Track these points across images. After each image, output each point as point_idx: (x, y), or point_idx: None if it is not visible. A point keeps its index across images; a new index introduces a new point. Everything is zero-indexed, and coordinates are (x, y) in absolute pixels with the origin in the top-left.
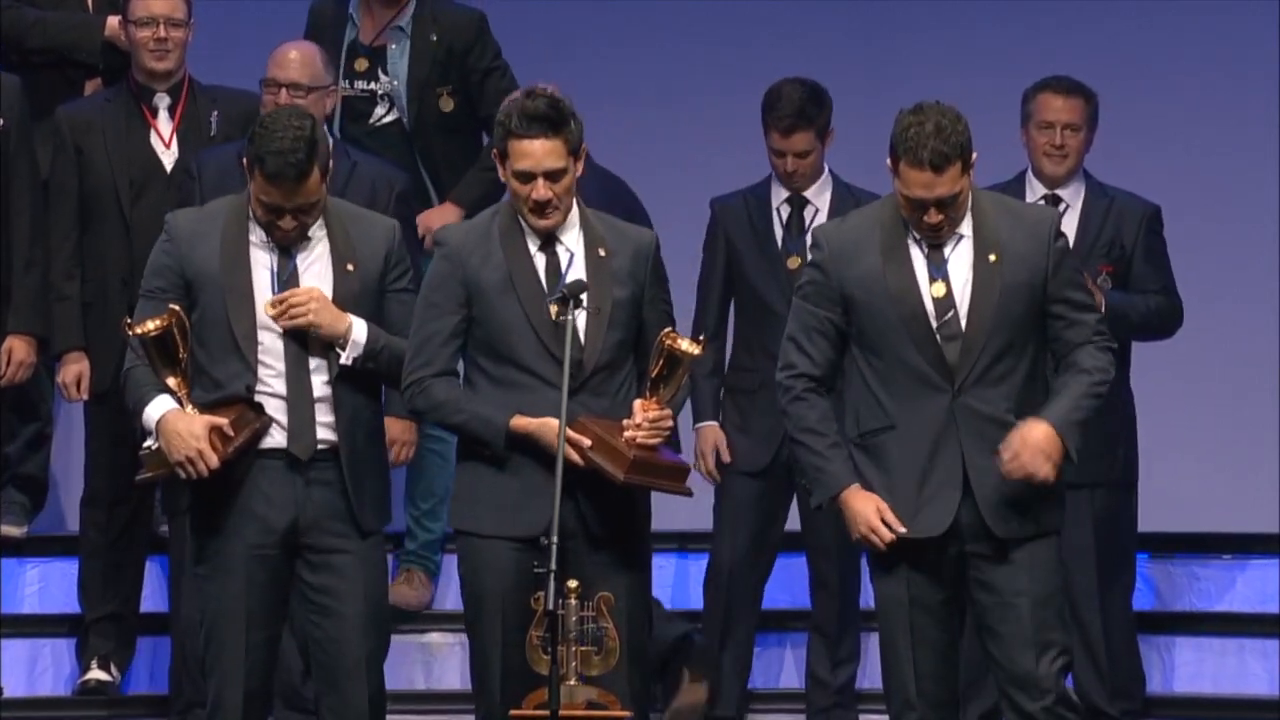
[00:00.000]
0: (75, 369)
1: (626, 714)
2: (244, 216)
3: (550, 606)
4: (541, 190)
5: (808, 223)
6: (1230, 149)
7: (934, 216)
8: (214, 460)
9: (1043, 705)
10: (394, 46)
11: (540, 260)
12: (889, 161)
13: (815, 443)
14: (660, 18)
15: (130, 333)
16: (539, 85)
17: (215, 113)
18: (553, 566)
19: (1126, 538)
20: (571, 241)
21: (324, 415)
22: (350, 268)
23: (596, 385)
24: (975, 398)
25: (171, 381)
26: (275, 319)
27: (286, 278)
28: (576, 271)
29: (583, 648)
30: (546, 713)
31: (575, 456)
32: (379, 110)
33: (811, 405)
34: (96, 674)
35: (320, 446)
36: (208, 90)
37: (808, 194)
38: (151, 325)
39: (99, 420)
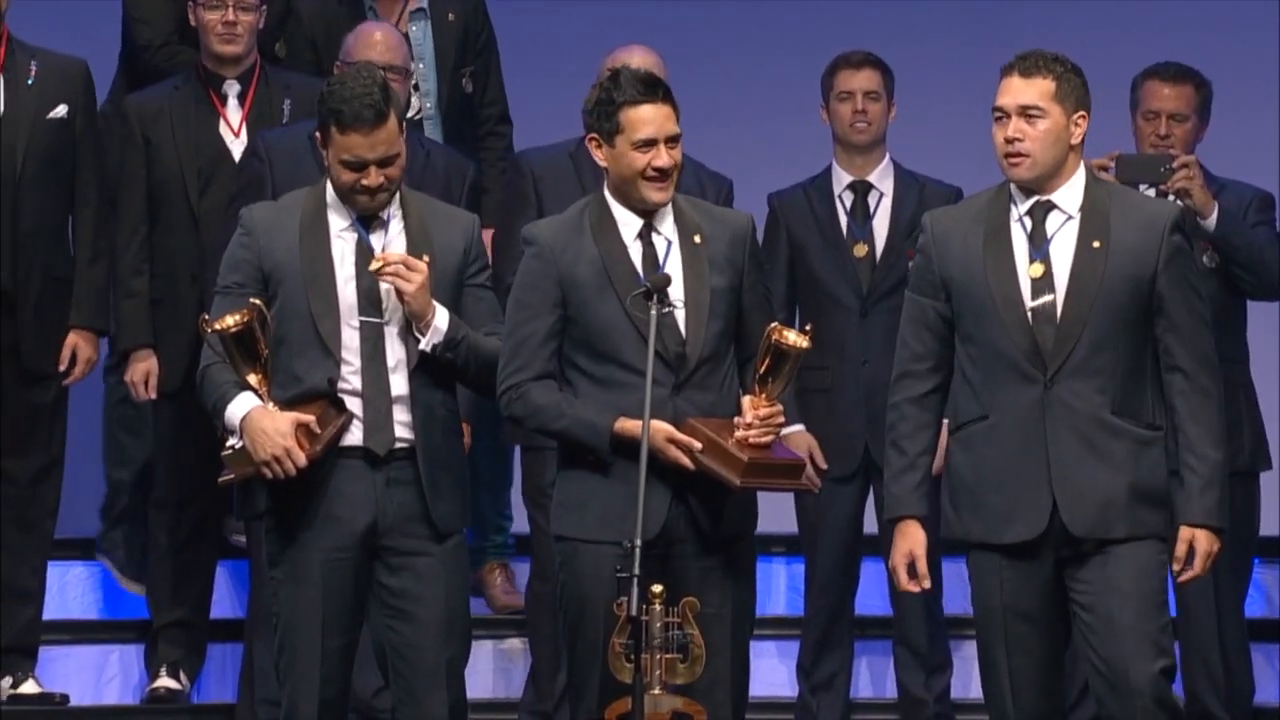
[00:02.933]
0: (143, 366)
1: None
2: (321, 206)
3: (633, 612)
4: (664, 156)
5: (872, 208)
6: None
7: (1012, 129)
8: (301, 459)
9: (1139, 706)
10: (415, 28)
11: (636, 250)
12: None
13: (895, 460)
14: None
15: (209, 329)
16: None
17: (288, 101)
18: (636, 571)
19: (1246, 533)
20: (667, 229)
21: (401, 414)
22: (425, 258)
23: (701, 379)
24: (1069, 390)
25: (253, 379)
26: (377, 271)
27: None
28: (673, 260)
29: (668, 655)
30: None
31: (685, 461)
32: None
33: (903, 416)
34: (165, 682)
35: (399, 445)
36: (281, 76)
37: (871, 178)
38: (231, 321)
39: (167, 420)
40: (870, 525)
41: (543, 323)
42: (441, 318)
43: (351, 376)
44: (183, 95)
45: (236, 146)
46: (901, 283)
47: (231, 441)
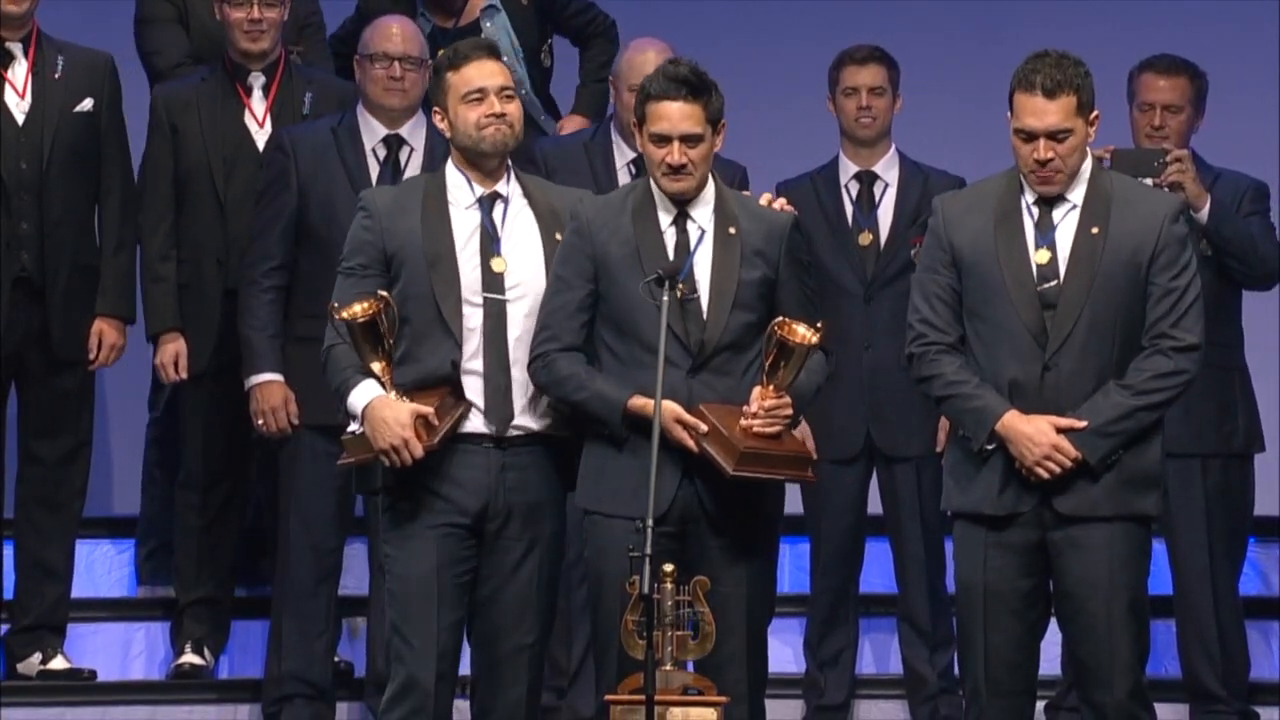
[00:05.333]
0: (172, 348)
1: (723, 700)
2: (442, 188)
3: (645, 591)
4: (676, 155)
5: (877, 198)
6: None
7: (1044, 151)
8: (419, 450)
9: (1114, 700)
10: (489, 25)
11: (670, 236)
12: (1009, 111)
13: (960, 389)
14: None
15: (336, 316)
16: (681, 57)
17: (309, 94)
18: (648, 550)
19: (1240, 513)
20: (703, 219)
21: (520, 395)
22: (559, 236)
23: (719, 365)
24: (1065, 371)
25: (376, 366)
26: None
27: (493, 246)
28: (705, 248)
29: (678, 632)
30: (642, 698)
31: (690, 443)
32: None
33: (943, 364)
34: (190, 658)
35: (515, 433)
36: (304, 71)
37: (876, 169)
38: (359, 309)
39: (194, 402)
40: (874, 506)
41: (574, 295)
42: None
43: (472, 356)
44: (209, 86)
45: (260, 136)
46: (905, 269)
47: (352, 427)
